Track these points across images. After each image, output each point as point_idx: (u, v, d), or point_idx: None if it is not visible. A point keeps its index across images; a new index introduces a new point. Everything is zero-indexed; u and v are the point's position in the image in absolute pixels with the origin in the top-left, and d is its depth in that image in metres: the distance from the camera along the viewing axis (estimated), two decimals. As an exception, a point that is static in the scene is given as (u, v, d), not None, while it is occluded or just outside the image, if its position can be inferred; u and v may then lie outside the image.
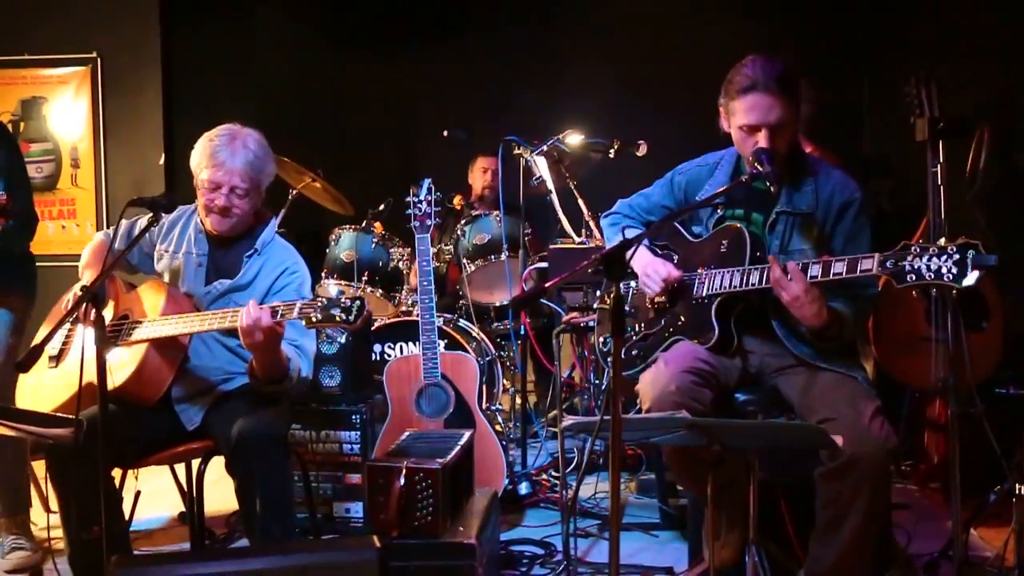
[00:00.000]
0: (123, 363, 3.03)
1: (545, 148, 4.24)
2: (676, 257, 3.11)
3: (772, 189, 2.84)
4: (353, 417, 3.84)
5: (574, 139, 4.33)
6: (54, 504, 3.65)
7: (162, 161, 5.48)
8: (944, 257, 2.38)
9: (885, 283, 2.79)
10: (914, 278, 2.42)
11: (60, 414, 2.95)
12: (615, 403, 2.25)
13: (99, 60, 5.49)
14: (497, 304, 4.99)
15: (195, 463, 3.21)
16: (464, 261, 4.74)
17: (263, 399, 3.08)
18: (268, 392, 3.05)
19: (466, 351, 4.14)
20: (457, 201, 5.26)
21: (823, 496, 2.73)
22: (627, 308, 3.20)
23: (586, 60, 6.34)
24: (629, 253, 2.33)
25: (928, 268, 2.39)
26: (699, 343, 2.94)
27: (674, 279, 3.00)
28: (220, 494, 3.61)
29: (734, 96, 2.87)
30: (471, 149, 5.62)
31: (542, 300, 4.07)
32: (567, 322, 3.70)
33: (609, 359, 3.23)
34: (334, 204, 5.12)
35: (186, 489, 3.71)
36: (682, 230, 3.14)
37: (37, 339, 3.29)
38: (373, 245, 4.76)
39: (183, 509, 3.97)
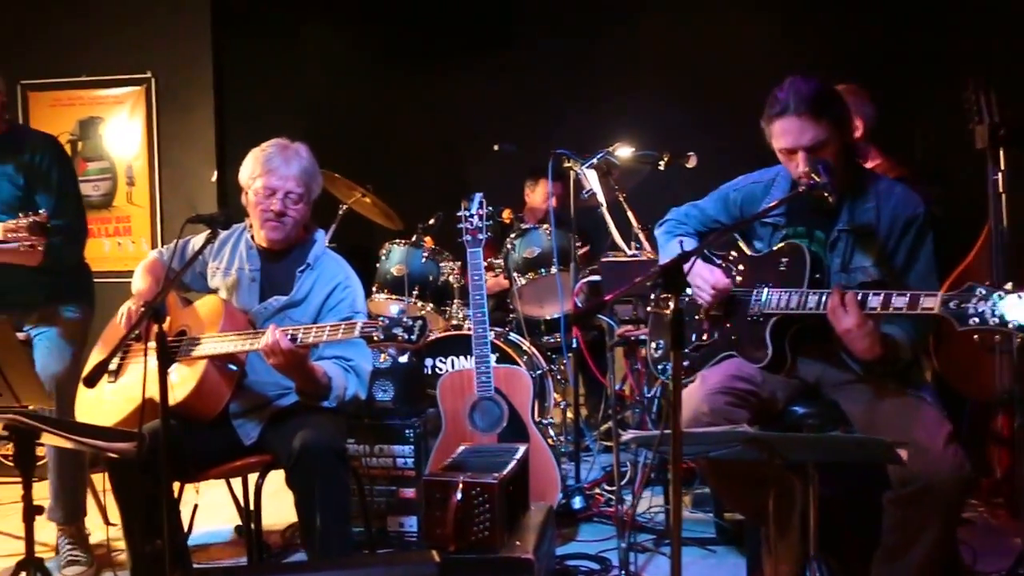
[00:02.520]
0: (184, 379, 3.05)
1: (595, 161, 4.22)
2: (734, 270, 3.08)
3: (831, 199, 2.80)
4: (407, 431, 3.84)
5: (624, 151, 4.32)
6: (113, 516, 3.71)
7: (214, 178, 5.54)
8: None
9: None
10: (977, 322, 2.35)
11: (122, 428, 2.99)
12: (675, 416, 2.23)
13: (153, 79, 5.58)
14: (548, 318, 4.98)
15: (251, 477, 3.24)
16: (514, 275, 4.74)
17: (321, 413, 3.10)
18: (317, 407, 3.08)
19: (517, 365, 4.13)
20: (507, 215, 5.25)
21: (889, 520, 2.67)
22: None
23: (633, 71, 6.35)
24: (687, 265, 2.31)
25: (993, 313, 2.32)
26: (752, 361, 2.91)
27: (723, 287, 2.97)
28: (276, 507, 3.64)
29: (769, 120, 2.86)
30: (522, 163, 5.61)
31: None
32: (621, 336, 3.68)
33: (660, 366, 3.21)
34: (383, 219, 5.15)
35: (242, 503, 3.74)
36: (742, 243, 3.10)
37: (95, 354, 3.37)
38: (423, 259, 4.78)
39: (239, 523, 4.00)
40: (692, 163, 4.38)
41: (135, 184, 5.61)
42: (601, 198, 4.21)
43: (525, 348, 4.48)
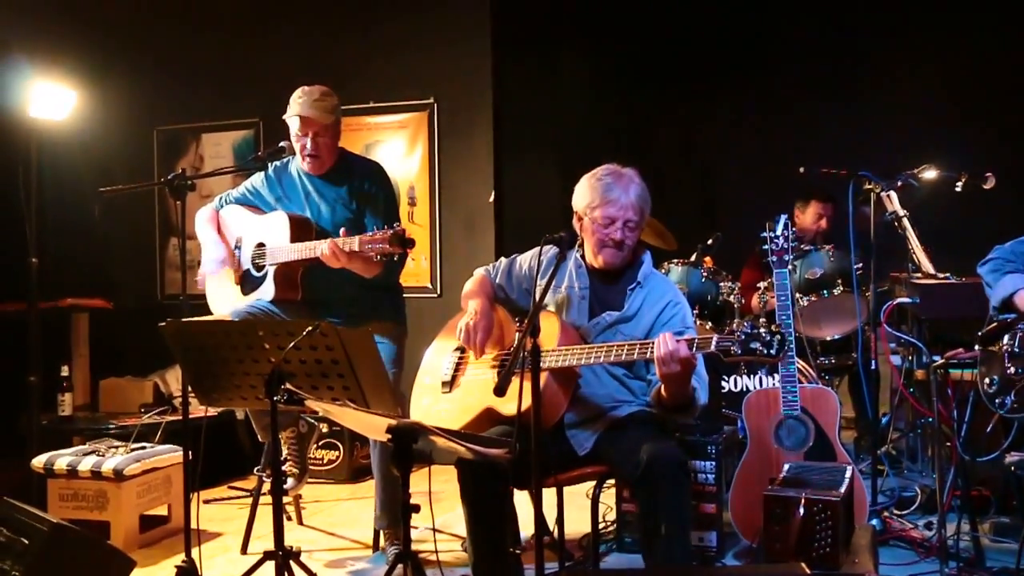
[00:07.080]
0: (525, 391, 3.22)
1: (899, 184, 4.20)
2: None
3: None
4: (709, 447, 3.92)
5: (929, 173, 4.27)
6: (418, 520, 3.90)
7: (492, 198, 5.75)
8: None
9: None
10: None
11: (495, 437, 3.17)
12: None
13: (435, 105, 5.85)
14: (827, 338, 4.98)
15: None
16: (796, 295, 4.76)
17: (657, 426, 3.21)
18: (672, 419, 3.19)
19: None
20: (785, 237, 5.27)
21: None
22: (1015, 349, 3.15)
23: (893, 91, 6.26)
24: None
25: None
26: None
27: None
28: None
29: None
30: (782, 185, 5.61)
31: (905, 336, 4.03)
32: (951, 358, 3.64)
33: (996, 400, 3.19)
34: (657, 239, 5.23)
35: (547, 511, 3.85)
36: None
37: (431, 363, 3.60)
38: (703, 279, 4.86)
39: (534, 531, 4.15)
40: (990, 184, 4.31)
41: (416, 204, 5.89)
42: (907, 222, 4.17)
43: (800, 367, 4.50)
